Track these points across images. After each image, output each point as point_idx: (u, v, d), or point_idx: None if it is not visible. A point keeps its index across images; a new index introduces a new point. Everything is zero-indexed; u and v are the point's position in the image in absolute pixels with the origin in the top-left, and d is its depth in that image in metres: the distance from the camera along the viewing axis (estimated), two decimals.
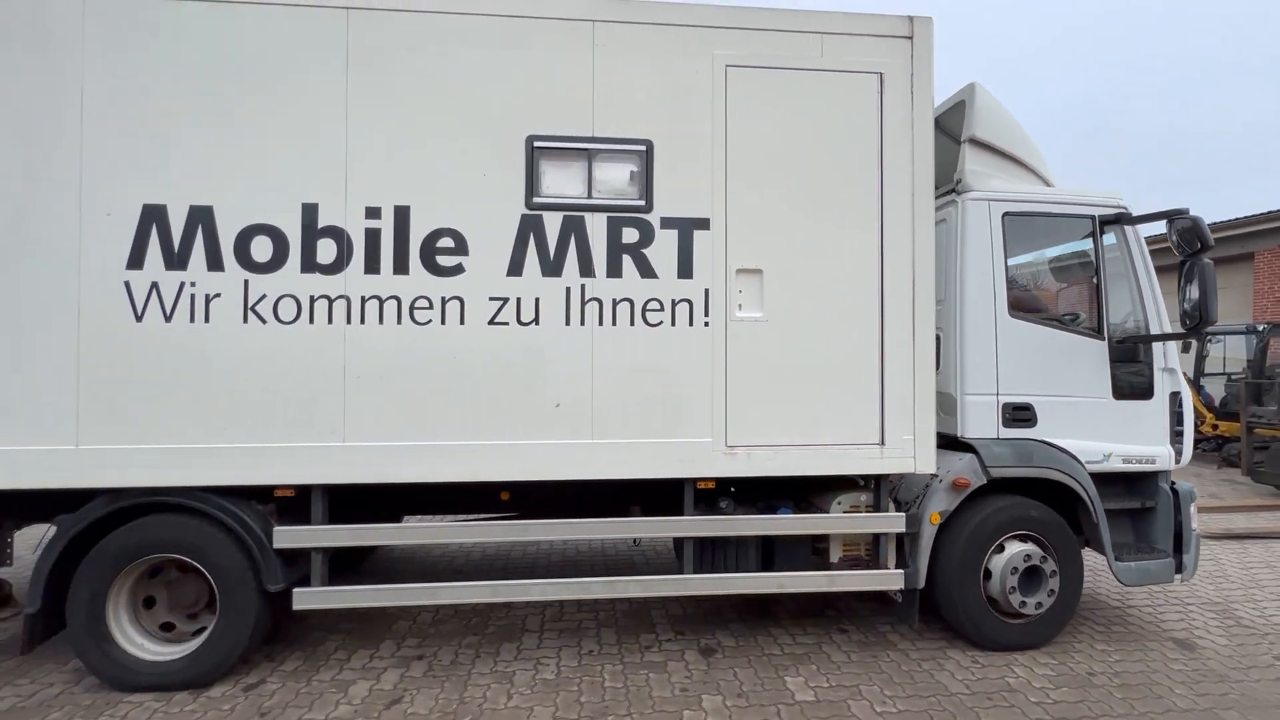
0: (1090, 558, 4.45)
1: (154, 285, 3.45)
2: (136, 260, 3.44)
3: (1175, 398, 4.40)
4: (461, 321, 3.60)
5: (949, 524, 4.05)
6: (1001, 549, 4.07)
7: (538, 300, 3.65)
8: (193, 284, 3.46)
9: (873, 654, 4.06)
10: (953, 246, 4.30)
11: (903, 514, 3.97)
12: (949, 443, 4.29)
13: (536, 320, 3.65)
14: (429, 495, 4.22)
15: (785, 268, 3.80)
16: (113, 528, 3.51)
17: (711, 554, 3.99)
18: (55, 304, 3.38)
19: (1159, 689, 3.67)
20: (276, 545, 3.54)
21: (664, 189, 3.72)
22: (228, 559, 3.52)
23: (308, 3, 3.53)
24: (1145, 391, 4.36)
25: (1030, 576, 4.04)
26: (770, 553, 4.07)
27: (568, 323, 3.67)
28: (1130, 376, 4.35)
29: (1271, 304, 14.03)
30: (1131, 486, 4.43)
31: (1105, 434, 4.29)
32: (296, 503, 3.69)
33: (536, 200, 3.64)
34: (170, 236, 3.45)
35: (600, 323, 3.68)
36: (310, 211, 3.52)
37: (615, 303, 3.69)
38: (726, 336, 3.76)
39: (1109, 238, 4.43)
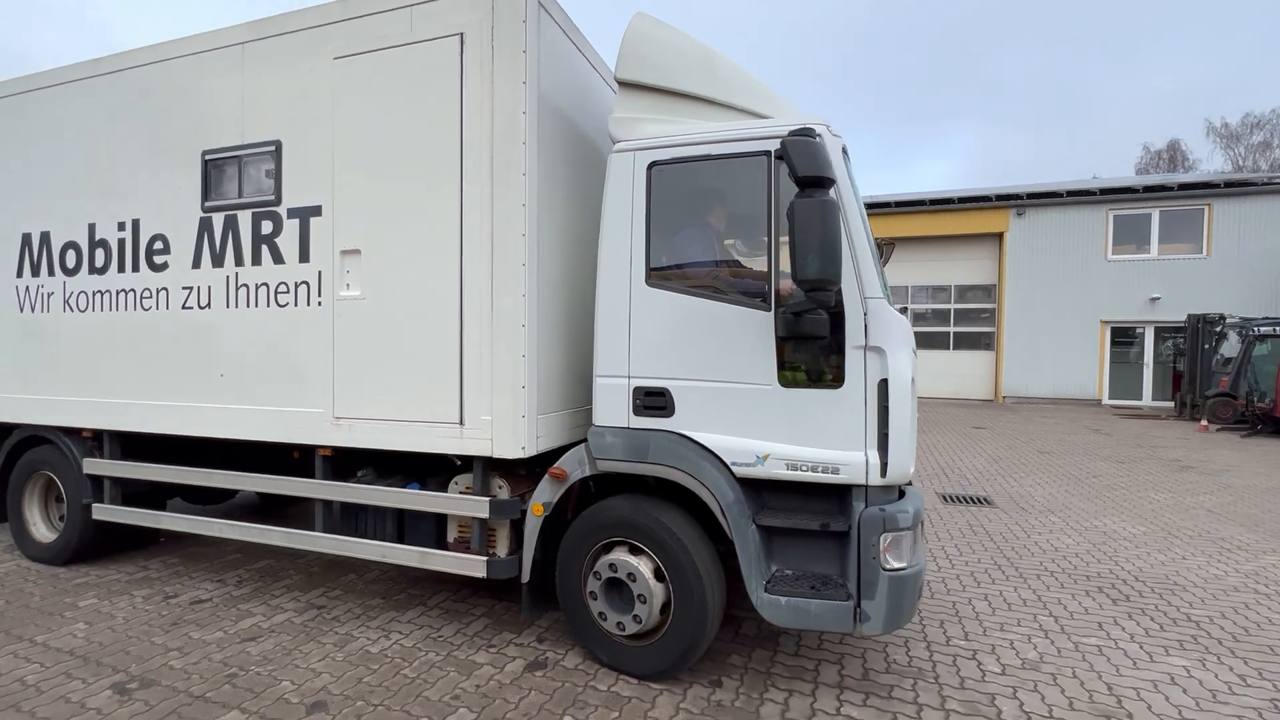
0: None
1: None
2: None
3: (882, 387, 3.20)
4: (166, 306, 4.52)
5: (566, 519, 3.66)
6: (598, 556, 3.52)
7: (209, 288, 4.38)
8: None
9: None
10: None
11: (487, 499, 3.71)
12: None
13: (209, 305, 4.39)
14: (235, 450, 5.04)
15: (379, 246, 3.89)
16: None
17: (356, 521, 4.24)
18: None
19: None
20: None
21: (290, 183, 4.12)
22: None
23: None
24: (830, 378, 3.26)
25: (614, 590, 3.43)
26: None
27: (227, 305, 4.32)
28: (807, 357, 3.31)
29: None
30: (812, 501, 3.36)
31: (768, 430, 3.33)
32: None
33: (208, 204, 4.37)
34: None
35: (248, 305, 4.26)
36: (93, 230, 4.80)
37: (256, 287, 4.23)
38: (334, 315, 4.00)
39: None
